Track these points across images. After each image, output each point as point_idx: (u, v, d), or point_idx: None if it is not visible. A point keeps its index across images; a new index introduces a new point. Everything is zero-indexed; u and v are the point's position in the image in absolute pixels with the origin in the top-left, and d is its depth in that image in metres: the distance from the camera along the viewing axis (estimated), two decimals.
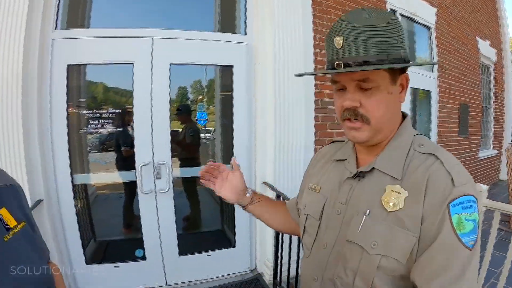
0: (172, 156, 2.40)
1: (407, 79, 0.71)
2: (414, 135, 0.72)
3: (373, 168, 0.71)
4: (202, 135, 2.61)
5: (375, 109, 0.66)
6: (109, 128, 2.32)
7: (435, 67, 4.24)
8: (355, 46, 0.62)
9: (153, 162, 2.31)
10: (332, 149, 0.90)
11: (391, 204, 0.65)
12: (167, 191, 2.34)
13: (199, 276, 2.51)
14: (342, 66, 0.64)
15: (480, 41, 5.48)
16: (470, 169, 5.32)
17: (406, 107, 3.70)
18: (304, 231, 0.84)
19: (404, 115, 0.76)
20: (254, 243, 2.67)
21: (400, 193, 0.65)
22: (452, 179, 0.61)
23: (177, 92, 2.48)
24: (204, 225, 2.91)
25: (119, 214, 2.60)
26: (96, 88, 2.38)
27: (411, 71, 0.76)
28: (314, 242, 0.79)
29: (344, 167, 0.79)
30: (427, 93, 4.24)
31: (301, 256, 1.17)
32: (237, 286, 2.46)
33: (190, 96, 2.55)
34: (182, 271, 2.47)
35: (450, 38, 4.56)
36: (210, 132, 2.61)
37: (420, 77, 4.00)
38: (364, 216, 0.68)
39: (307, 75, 0.66)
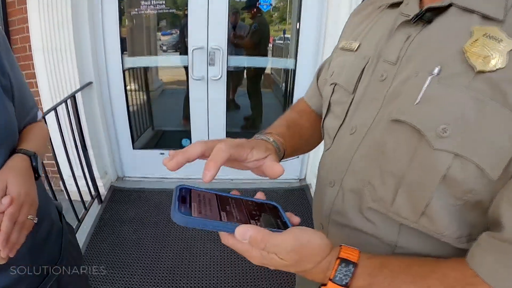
0: (235, 47, 2.26)
1: None
2: None
3: (451, 4, 0.39)
4: (280, 42, 2.41)
5: None
6: (162, 9, 2.18)
7: None
8: None
9: (207, 46, 2.15)
10: None
11: (481, 59, 0.34)
12: (220, 78, 2.18)
13: (244, 175, 2.40)
14: None
15: None
16: None
17: None
18: (328, 110, 0.56)
19: None
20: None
21: (500, 41, 0.34)
22: None
23: None
24: (264, 126, 2.76)
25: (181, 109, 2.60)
26: None
27: None
28: (341, 126, 0.51)
29: (399, 12, 0.46)
30: None
31: None
32: (281, 192, 2.31)
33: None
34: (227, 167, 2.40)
35: None
36: (289, 40, 2.36)
37: None
38: (430, 77, 0.37)
39: None
